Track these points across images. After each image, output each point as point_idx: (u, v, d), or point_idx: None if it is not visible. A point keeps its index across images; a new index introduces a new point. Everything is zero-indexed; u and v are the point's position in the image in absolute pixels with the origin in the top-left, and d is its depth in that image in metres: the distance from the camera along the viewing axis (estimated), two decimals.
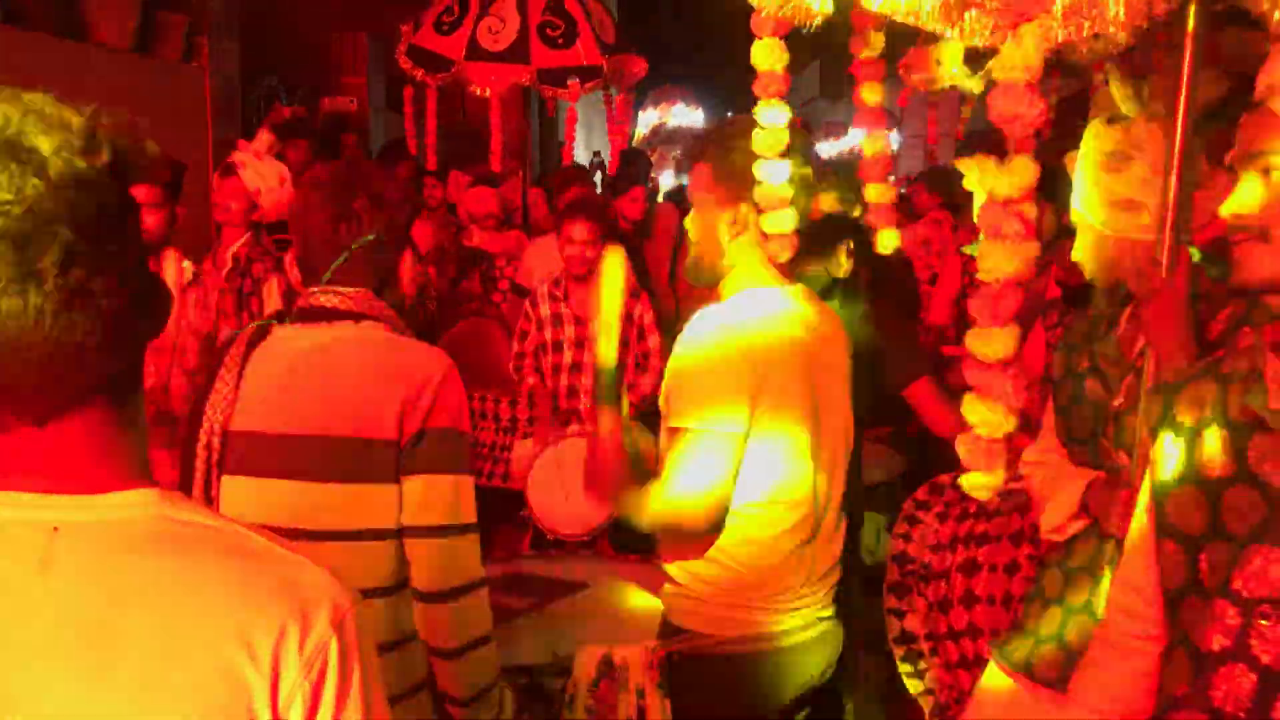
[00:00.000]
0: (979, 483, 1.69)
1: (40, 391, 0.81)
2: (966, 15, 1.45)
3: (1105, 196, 1.90)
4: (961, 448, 1.68)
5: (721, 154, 2.02)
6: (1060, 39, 1.38)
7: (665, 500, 1.90)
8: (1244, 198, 1.21)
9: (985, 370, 1.65)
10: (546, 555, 3.21)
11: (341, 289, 1.79)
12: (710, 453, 1.88)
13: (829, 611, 2.08)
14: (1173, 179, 1.71)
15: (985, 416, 1.65)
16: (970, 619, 2.36)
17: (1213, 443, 1.24)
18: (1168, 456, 1.29)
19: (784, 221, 1.95)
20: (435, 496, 1.72)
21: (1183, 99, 1.67)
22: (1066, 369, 2.10)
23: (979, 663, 2.33)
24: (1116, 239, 1.91)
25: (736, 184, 1.98)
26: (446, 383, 1.74)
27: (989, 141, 1.70)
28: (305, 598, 0.86)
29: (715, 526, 1.94)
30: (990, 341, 1.66)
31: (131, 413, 0.88)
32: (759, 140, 1.94)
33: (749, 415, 1.89)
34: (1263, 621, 1.16)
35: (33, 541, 0.83)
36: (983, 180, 1.65)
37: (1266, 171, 1.19)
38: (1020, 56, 1.42)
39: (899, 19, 1.58)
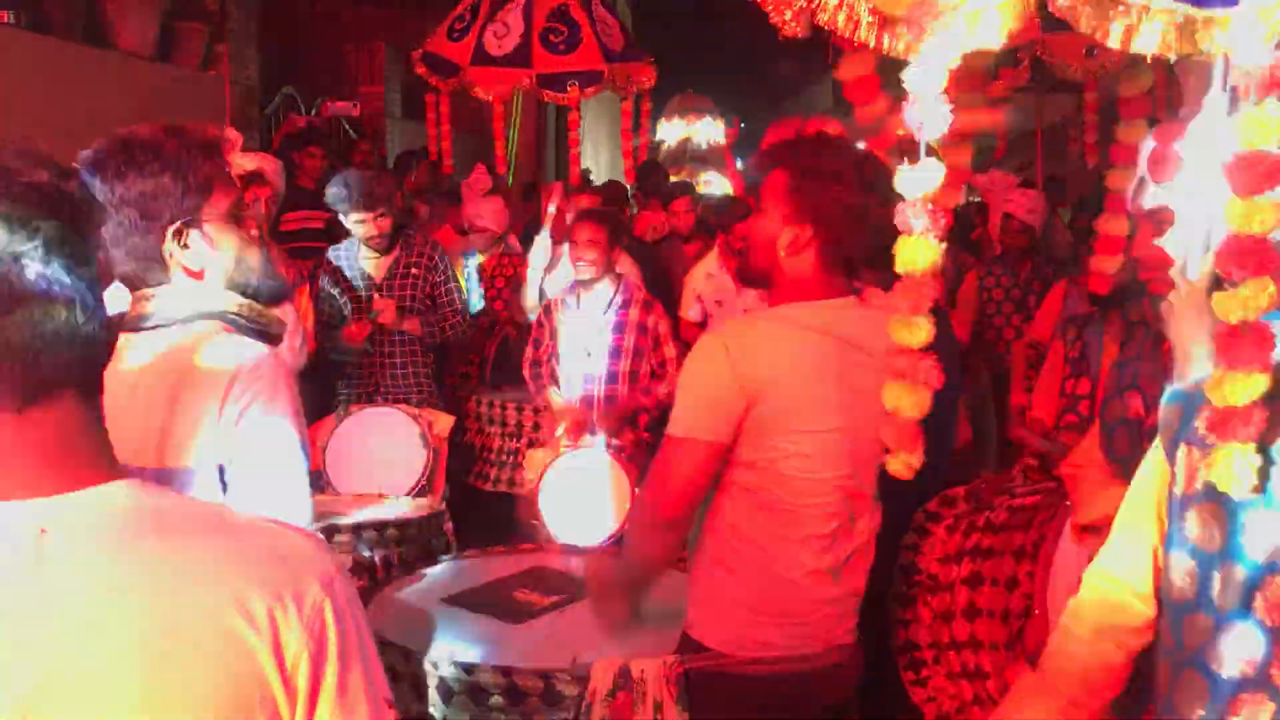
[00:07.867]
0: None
1: (16, 376, 0.85)
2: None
3: None
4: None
5: (801, 170, 1.95)
6: None
7: (638, 496, 1.95)
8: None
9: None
10: (570, 550, 3.06)
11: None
12: (687, 455, 1.90)
13: (851, 639, 2.03)
14: None
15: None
16: (972, 631, 2.35)
17: (1244, 464, 1.23)
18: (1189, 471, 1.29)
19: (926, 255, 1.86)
20: None
21: None
22: (1115, 386, 2.08)
23: (980, 674, 2.33)
24: None
25: (807, 203, 1.93)
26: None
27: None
28: (293, 563, 0.91)
29: (679, 525, 1.95)
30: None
31: (97, 409, 0.92)
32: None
33: (733, 425, 1.89)
34: None
35: (23, 540, 0.85)
36: None
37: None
38: None
39: None
